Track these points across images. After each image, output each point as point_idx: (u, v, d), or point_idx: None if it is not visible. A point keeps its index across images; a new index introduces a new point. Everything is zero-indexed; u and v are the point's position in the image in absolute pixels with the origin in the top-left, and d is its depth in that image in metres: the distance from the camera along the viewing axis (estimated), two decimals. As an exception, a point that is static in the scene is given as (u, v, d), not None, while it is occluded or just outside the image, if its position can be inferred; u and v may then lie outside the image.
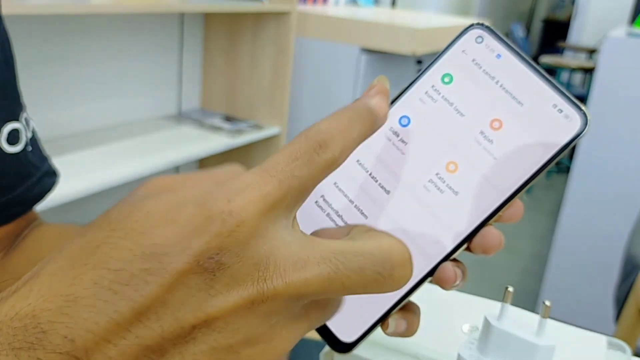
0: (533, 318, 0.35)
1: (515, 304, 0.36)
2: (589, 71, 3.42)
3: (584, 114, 0.27)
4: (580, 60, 4.06)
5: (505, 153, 0.27)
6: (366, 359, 0.40)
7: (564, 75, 3.54)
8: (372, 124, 0.26)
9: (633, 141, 1.93)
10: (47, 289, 0.20)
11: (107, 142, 1.57)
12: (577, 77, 4.42)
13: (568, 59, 3.69)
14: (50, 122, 1.53)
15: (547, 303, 0.34)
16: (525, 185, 0.27)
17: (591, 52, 4.26)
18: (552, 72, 3.51)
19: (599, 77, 1.95)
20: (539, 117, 0.27)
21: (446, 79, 0.29)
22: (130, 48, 1.72)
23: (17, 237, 0.52)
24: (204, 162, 2.07)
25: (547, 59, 3.45)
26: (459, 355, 0.35)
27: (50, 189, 0.54)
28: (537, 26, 6.67)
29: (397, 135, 0.30)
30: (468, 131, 0.28)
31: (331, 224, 0.29)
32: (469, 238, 0.28)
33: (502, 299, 0.35)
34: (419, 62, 2.32)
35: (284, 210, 0.22)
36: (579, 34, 4.79)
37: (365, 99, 0.26)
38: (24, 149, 0.51)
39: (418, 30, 1.89)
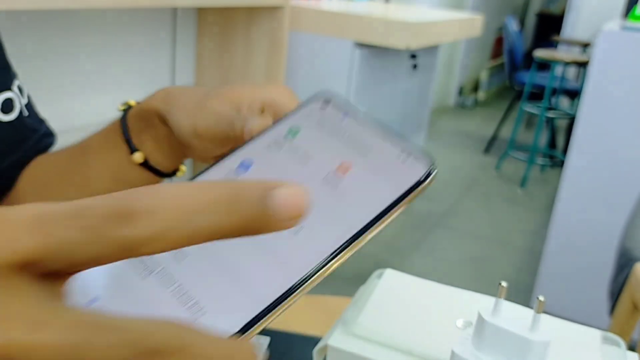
0: (527, 313, 0.34)
1: (509, 298, 0.36)
2: (582, 65, 3.42)
3: (430, 158, 0.26)
4: (574, 54, 4.06)
5: (352, 194, 0.26)
6: (360, 355, 0.39)
7: (558, 69, 3.54)
8: (246, 221, 0.18)
9: (627, 134, 1.93)
10: None
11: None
12: (571, 71, 4.42)
13: (562, 53, 3.69)
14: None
15: (541, 298, 0.33)
16: (374, 224, 0.25)
17: (585, 45, 4.26)
18: (546, 66, 3.52)
19: (593, 71, 1.95)
20: (386, 162, 0.27)
21: (293, 131, 0.29)
22: (122, 43, 1.70)
23: None
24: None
25: (541, 53, 3.45)
26: (452, 351, 0.34)
27: (49, 147, 0.57)
28: (531, 20, 6.67)
29: (236, 176, 0.28)
30: (313, 174, 0.27)
31: (134, 276, 0.24)
32: (310, 275, 0.23)
33: (496, 294, 0.35)
34: (413, 56, 2.32)
35: (41, 270, 0.17)
36: (573, 27, 4.79)
37: (268, 186, 0.18)
38: (19, 116, 0.54)
39: (412, 24, 1.89)
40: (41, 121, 0.57)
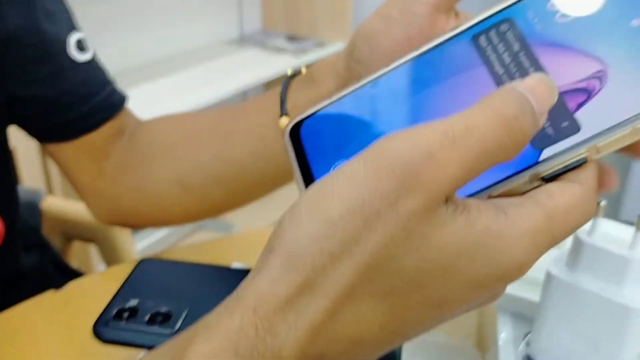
0: (626, 231, 0.32)
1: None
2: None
3: None
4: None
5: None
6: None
7: None
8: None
9: None
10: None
11: (171, 72, 1.57)
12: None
13: None
14: (112, 55, 1.54)
15: (644, 215, 0.31)
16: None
17: None
18: None
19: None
20: None
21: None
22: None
23: (114, 143, 0.53)
24: (270, 85, 2.06)
25: None
26: (548, 272, 0.33)
27: (122, 103, 0.55)
28: None
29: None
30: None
31: None
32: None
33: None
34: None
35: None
36: None
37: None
38: (94, 58, 0.52)
39: None
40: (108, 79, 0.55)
